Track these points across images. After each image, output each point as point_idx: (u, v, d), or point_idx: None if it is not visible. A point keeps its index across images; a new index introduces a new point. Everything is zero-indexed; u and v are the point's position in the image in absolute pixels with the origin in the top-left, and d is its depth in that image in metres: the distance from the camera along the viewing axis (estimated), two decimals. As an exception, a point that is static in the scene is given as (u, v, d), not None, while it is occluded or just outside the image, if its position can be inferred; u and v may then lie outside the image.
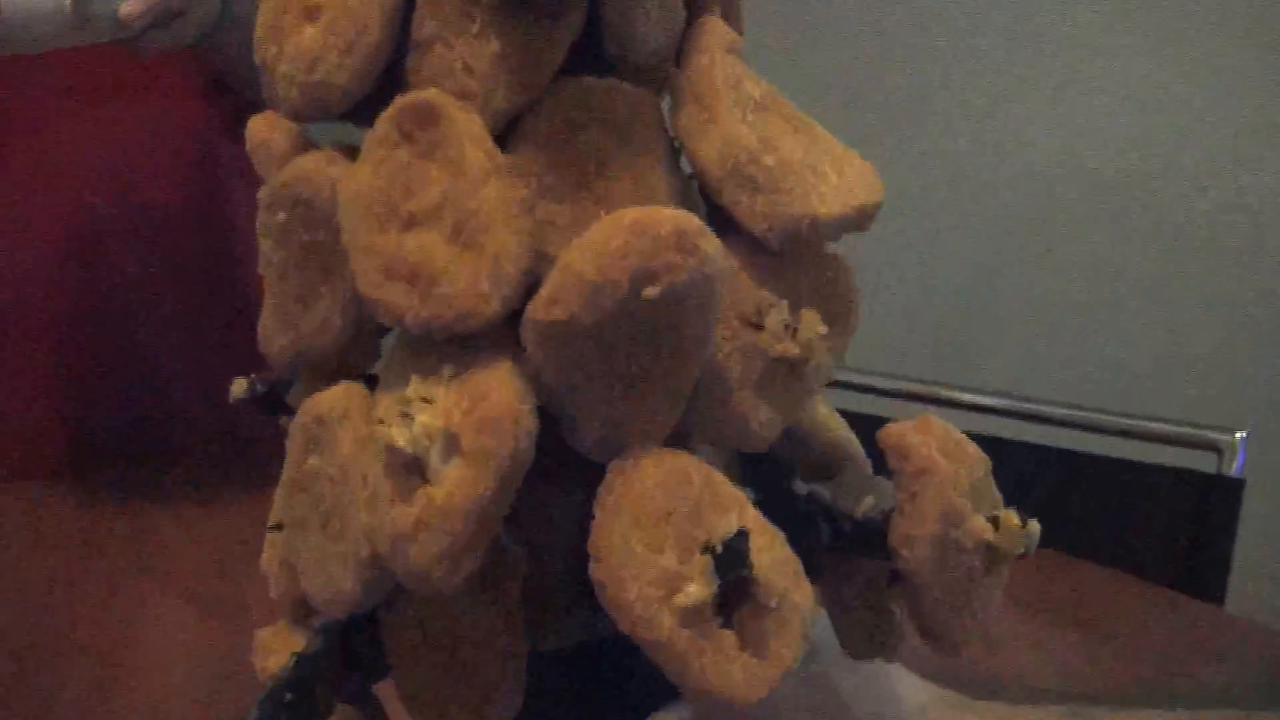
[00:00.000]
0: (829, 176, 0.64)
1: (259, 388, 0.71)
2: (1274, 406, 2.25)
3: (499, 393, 0.59)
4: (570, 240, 0.61)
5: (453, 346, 0.61)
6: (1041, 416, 1.54)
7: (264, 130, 0.68)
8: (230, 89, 1.28)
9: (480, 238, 0.59)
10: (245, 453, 1.24)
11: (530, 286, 0.60)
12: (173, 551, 1.15)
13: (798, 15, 2.60)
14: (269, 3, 0.64)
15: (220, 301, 1.31)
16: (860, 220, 0.65)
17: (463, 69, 0.62)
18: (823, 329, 0.64)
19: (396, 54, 0.63)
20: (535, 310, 0.58)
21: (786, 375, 0.64)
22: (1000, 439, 1.50)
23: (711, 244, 0.59)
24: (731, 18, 0.70)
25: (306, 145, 0.67)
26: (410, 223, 0.60)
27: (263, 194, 0.66)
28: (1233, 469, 1.40)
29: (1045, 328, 2.48)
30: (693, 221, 0.58)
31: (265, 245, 0.66)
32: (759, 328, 0.63)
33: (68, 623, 1.04)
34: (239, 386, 0.71)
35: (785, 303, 0.64)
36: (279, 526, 0.72)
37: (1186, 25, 2.33)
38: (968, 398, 1.54)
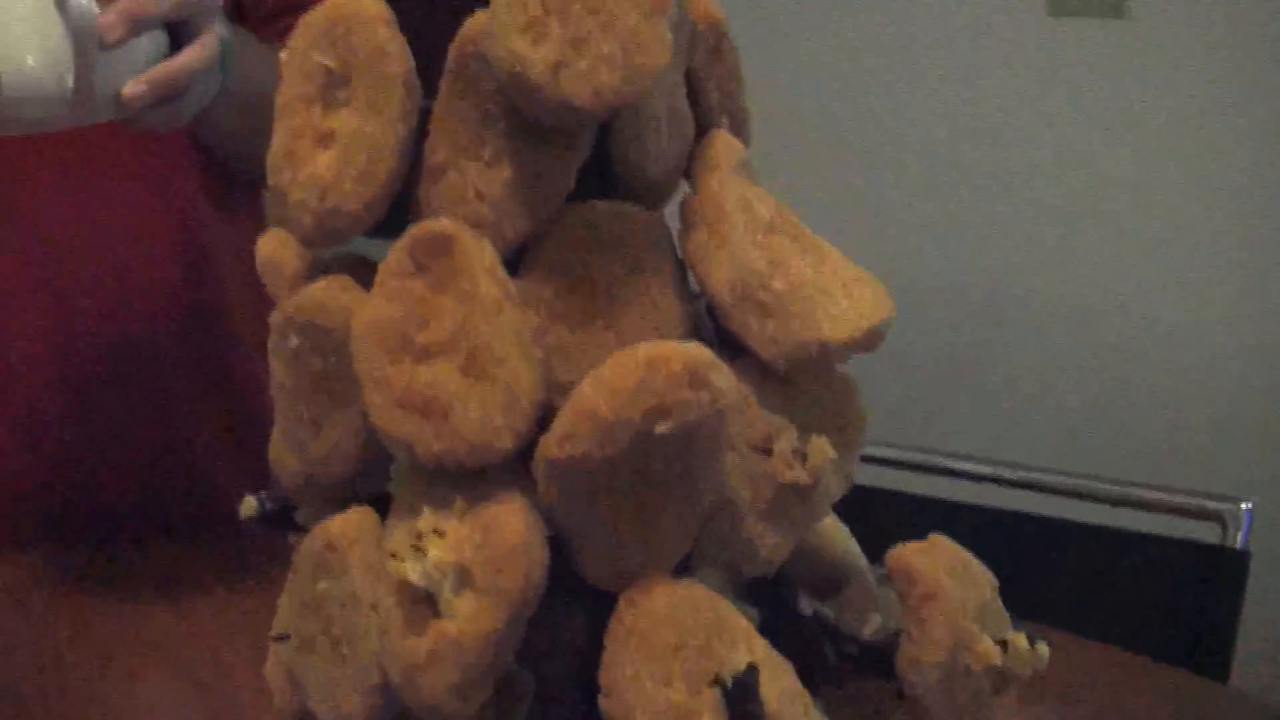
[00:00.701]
0: (838, 298, 0.65)
1: (268, 505, 0.71)
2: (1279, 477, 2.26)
3: (511, 526, 0.60)
4: (582, 367, 0.61)
5: (465, 476, 0.61)
6: (1043, 485, 1.54)
7: (274, 250, 0.68)
8: (221, 163, 1.28)
9: (494, 370, 0.59)
10: (239, 533, 1.24)
11: (542, 414, 0.61)
12: (164, 629, 1.15)
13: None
14: (282, 128, 0.64)
15: (210, 377, 1.30)
16: (869, 341, 0.65)
17: (475, 196, 0.62)
18: (832, 454, 0.64)
19: (409, 180, 0.63)
20: (548, 447, 0.58)
21: (795, 500, 0.64)
22: (1000, 508, 1.50)
23: (723, 378, 0.59)
24: (739, 129, 0.70)
25: (317, 266, 0.67)
26: (424, 354, 0.60)
27: (274, 318, 0.66)
28: (1237, 540, 1.39)
29: (1047, 395, 2.49)
30: (704, 355, 0.58)
31: (276, 368, 0.66)
32: (768, 453, 0.63)
33: (57, 698, 1.04)
34: (248, 506, 0.71)
35: (794, 428, 0.64)
36: (284, 636, 0.71)
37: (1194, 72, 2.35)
38: (967, 466, 1.54)
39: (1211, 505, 1.44)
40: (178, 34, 1.03)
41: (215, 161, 1.27)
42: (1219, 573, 1.40)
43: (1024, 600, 1.48)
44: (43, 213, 1.23)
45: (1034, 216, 2.51)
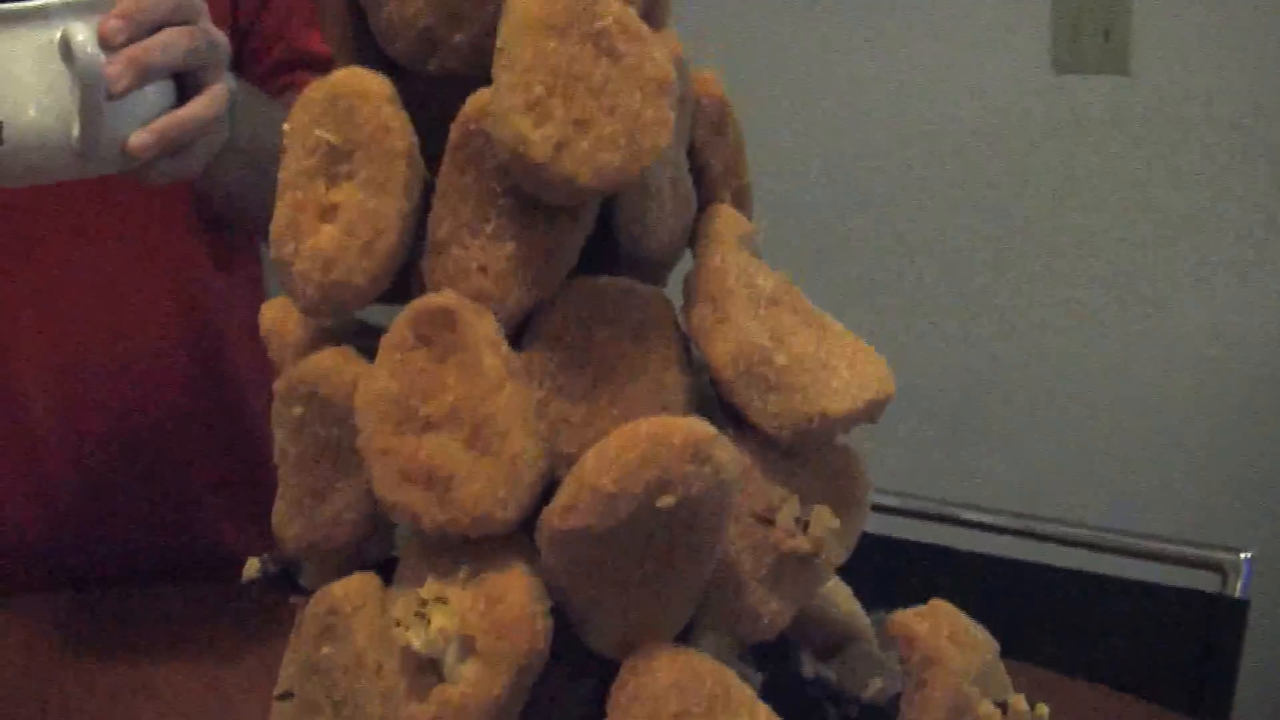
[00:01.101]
0: (840, 371, 0.65)
1: (271, 568, 0.71)
2: (1279, 527, 2.26)
3: (514, 595, 0.60)
4: (585, 439, 0.62)
5: (468, 545, 0.61)
6: (1043, 534, 1.54)
7: (278, 318, 0.69)
8: (221, 220, 1.27)
9: (497, 443, 0.60)
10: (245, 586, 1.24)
11: (546, 485, 0.61)
12: (169, 674, 1.15)
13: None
14: (285, 201, 0.65)
15: (217, 433, 1.30)
16: (870, 414, 0.66)
17: (478, 270, 0.63)
18: (834, 523, 0.64)
19: (413, 251, 0.64)
20: (551, 518, 0.59)
21: (797, 568, 0.65)
22: (1000, 557, 1.50)
23: (725, 452, 0.59)
24: (742, 202, 0.71)
25: (321, 336, 0.67)
26: (427, 426, 0.61)
27: (278, 386, 0.66)
28: (1237, 590, 1.40)
29: (1046, 444, 2.49)
30: (707, 430, 0.59)
31: (280, 436, 0.67)
32: (770, 523, 0.64)
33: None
34: (251, 567, 0.72)
35: (796, 498, 0.65)
36: (287, 695, 0.72)
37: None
38: (967, 515, 1.54)
39: (1211, 555, 1.44)
40: (184, 85, 1.02)
41: (215, 218, 1.27)
42: (1219, 621, 1.40)
43: (1026, 646, 1.48)
44: (49, 272, 1.23)
45: (1038, 271, 2.51)
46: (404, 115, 0.64)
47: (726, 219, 0.68)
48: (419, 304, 0.61)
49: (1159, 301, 2.42)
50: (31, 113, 0.96)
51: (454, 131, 0.63)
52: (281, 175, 0.65)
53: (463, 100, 0.64)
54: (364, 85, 0.64)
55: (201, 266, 1.28)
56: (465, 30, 0.64)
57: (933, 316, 2.59)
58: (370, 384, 0.61)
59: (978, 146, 2.51)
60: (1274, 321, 2.33)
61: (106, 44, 0.95)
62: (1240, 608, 1.40)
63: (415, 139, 0.63)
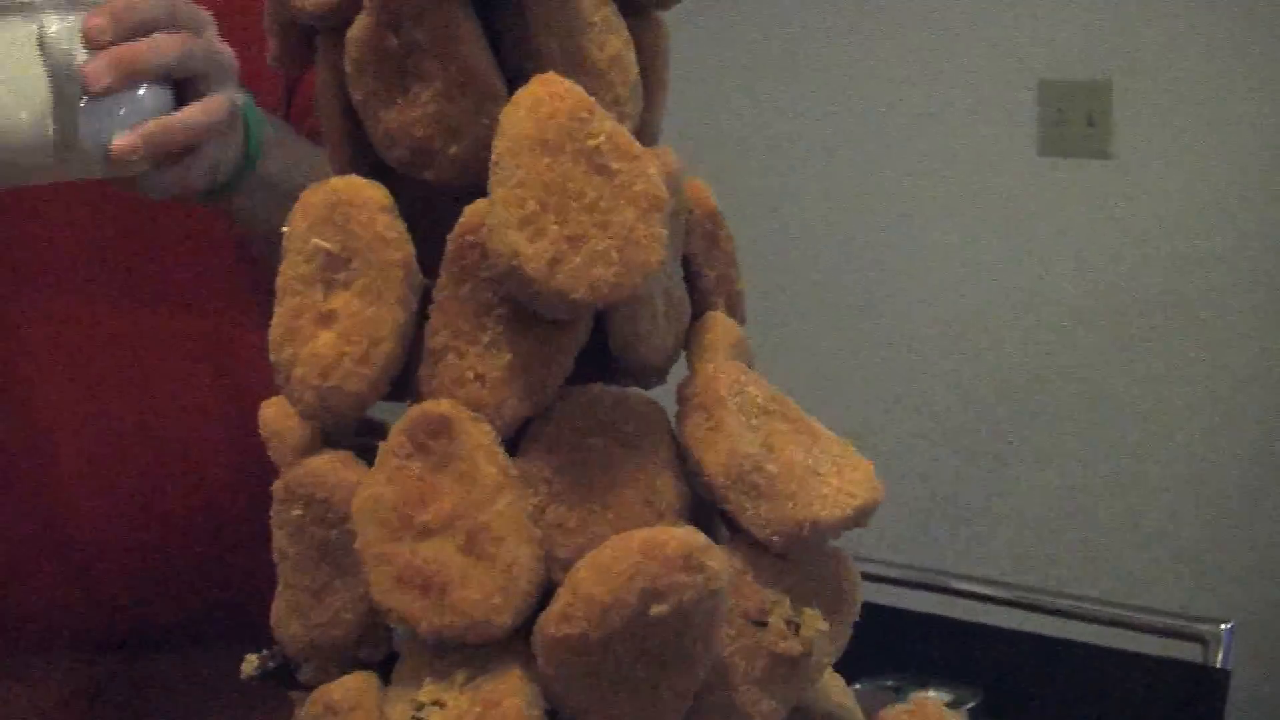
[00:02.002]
0: (829, 479, 0.66)
1: (271, 664, 0.72)
2: (1260, 599, 2.28)
3: (510, 700, 0.61)
4: (581, 545, 0.63)
5: (465, 649, 0.62)
6: (1026, 604, 1.55)
7: (278, 418, 0.70)
8: (250, 264, 1.24)
9: (493, 550, 0.61)
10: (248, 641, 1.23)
11: (541, 591, 0.62)
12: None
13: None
14: (285, 305, 0.66)
15: (243, 495, 1.28)
16: (859, 519, 0.67)
17: (475, 379, 0.64)
18: (824, 626, 0.65)
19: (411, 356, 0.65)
20: (547, 625, 0.60)
21: (789, 669, 0.66)
22: (988, 625, 1.52)
23: (718, 560, 0.61)
24: (735, 309, 0.72)
25: (320, 437, 0.68)
26: (423, 533, 0.62)
27: (278, 487, 0.67)
28: (1218, 660, 1.41)
29: (1033, 516, 2.51)
30: (698, 540, 0.60)
31: (279, 537, 0.68)
32: (762, 625, 0.65)
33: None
34: (250, 663, 0.73)
35: (787, 599, 0.66)
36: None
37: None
38: (955, 584, 1.56)
39: (1194, 626, 1.45)
40: (185, 97, 0.98)
41: (252, 277, 1.24)
42: (1201, 690, 1.42)
43: (1012, 713, 1.48)
44: (81, 329, 1.20)
45: (1020, 351, 2.54)
46: (401, 225, 0.65)
47: (720, 328, 0.69)
48: (417, 412, 0.62)
49: (1145, 379, 2.44)
50: (8, 110, 0.93)
51: (451, 243, 0.64)
52: (280, 280, 0.67)
53: (459, 208, 0.65)
54: (361, 194, 0.65)
55: (238, 325, 1.25)
56: (461, 143, 0.65)
57: (921, 392, 2.61)
58: (368, 490, 0.63)
59: (963, 227, 2.54)
60: (1258, 400, 2.35)
61: (90, 42, 0.93)
62: (1222, 677, 1.42)
63: (412, 248, 0.64)
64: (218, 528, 1.26)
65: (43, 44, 0.93)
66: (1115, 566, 2.45)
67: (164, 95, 0.97)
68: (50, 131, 0.93)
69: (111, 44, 0.93)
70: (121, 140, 0.93)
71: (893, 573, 1.54)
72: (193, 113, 0.97)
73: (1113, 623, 1.52)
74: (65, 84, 0.92)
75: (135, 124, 0.94)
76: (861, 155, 2.63)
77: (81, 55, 0.92)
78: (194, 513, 1.25)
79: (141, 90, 0.95)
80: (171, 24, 0.97)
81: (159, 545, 1.24)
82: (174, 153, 0.97)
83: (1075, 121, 2.46)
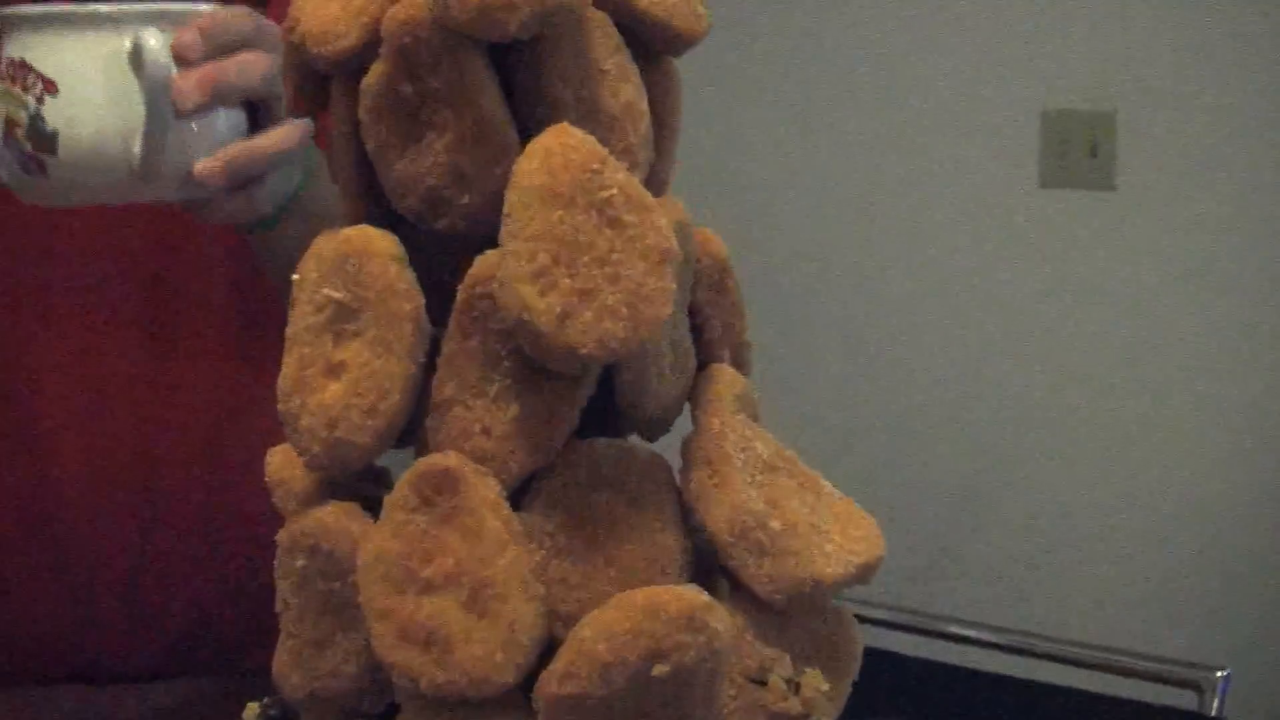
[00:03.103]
0: (832, 535, 0.66)
1: (271, 712, 0.72)
2: (1256, 646, 2.27)
3: (509, 757, 0.61)
4: (584, 600, 0.63)
5: (467, 704, 0.62)
6: (1022, 649, 1.55)
7: (284, 467, 0.70)
8: (262, 300, 1.22)
9: (496, 606, 0.61)
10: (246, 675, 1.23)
11: (543, 646, 0.62)
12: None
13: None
14: (294, 355, 0.66)
15: (236, 536, 1.27)
16: (862, 577, 0.67)
17: (481, 432, 0.64)
18: (824, 685, 0.65)
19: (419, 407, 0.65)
20: (548, 683, 0.60)
21: (788, 728, 0.66)
22: (981, 671, 1.51)
23: (720, 620, 0.60)
24: (741, 361, 0.72)
25: (326, 486, 0.68)
26: (427, 588, 0.61)
27: (282, 537, 0.67)
28: (1214, 708, 1.41)
29: (1026, 559, 2.51)
30: (701, 599, 0.60)
31: (282, 587, 0.67)
32: (763, 684, 0.65)
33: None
34: (250, 712, 0.72)
35: (788, 658, 0.66)
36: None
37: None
38: (947, 628, 1.56)
39: (1189, 673, 1.45)
40: (257, 120, 0.97)
41: (263, 312, 1.22)
42: (1196, 738, 1.41)
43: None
44: (88, 361, 1.18)
45: (1022, 386, 2.54)
46: (411, 275, 0.65)
47: (725, 380, 0.69)
48: (423, 465, 0.62)
49: (1144, 417, 2.44)
50: (92, 125, 0.91)
51: (460, 294, 0.64)
52: (289, 330, 0.66)
53: (469, 258, 0.65)
54: (373, 245, 0.65)
55: (247, 362, 1.23)
56: (473, 192, 0.65)
57: (919, 432, 2.61)
58: (373, 543, 0.62)
59: (963, 260, 2.53)
60: (1257, 437, 2.35)
61: (180, 58, 0.90)
62: (1217, 724, 1.42)
63: (422, 300, 0.64)
64: (217, 562, 1.26)
65: (139, 59, 0.90)
66: (1111, 612, 2.45)
67: (239, 117, 0.96)
68: (137, 149, 0.90)
69: (201, 62, 0.91)
70: (205, 163, 0.92)
71: (885, 616, 1.54)
72: (273, 138, 0.96)
73: (1108, 669, 1.52)
74: (158, 102, 0.89)
75: (215, 146, 0.93)
76: (861, 186, 2.63)
77: (171, 70, 0.90)
78: (192, 547, 1.25)
79: (221, 111, 0.94)
80: (256, 43, 0.95)
81: (156, 577, 1.24)
82: (250, 178, 0.95)
83: (1078, 153, 2.46)
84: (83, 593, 1.22)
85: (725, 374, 0.69)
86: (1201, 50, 2.36)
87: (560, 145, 0.62)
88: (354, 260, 0.65)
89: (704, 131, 2.55)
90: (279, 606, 0.68)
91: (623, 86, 0.68)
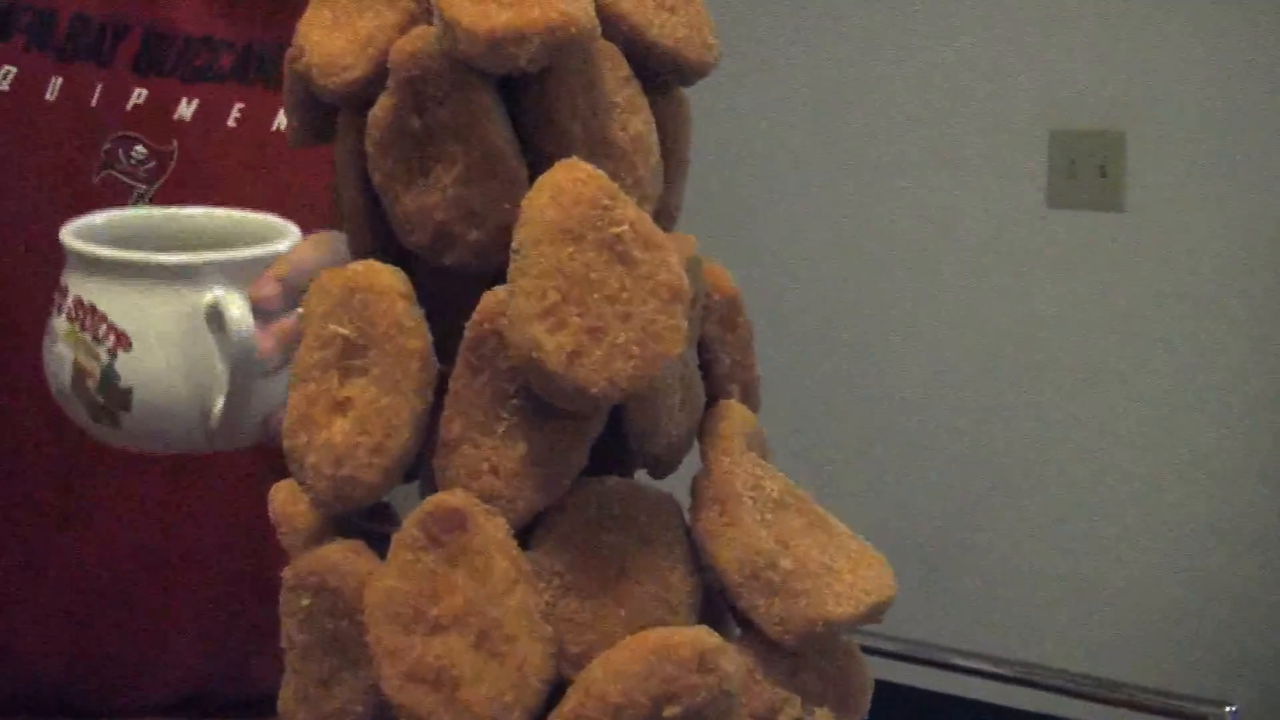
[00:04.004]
0: (843, 575, 0.66)
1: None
2: (1262, 682, 2.26)
3: (517, 800, 0.60)
4: (593, 640, 0.62)
5: (472, 746, 0.61)
6: (1030, 681, 1.54)
7: (288, 503, 0.69)
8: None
9: (504, 647, 0.60)
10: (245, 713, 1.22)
11: (553, 686, 0.62)
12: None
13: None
14: (299, 391, 0.65)
15: (238, 572, 1.26)
16: (872, 616, 0.66)
17: (489, 470, 0.63)
18: (835, 726, 0.65)
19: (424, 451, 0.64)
20: (558, 726, 0.59)
21: (799, 769, 0.65)
22: (982, 702, 1.50)
23: (730, 661, 0.60)
24: (750, 395, 0.72)
25: (332, 524, 0.67)
26: (435, 628, 0.61)
27: (287, 575, 0.66)
28: (1221, 743, 1.40)
29: (1032, 589, 2.50)
30: (712, 641, 0.60)
31: (288, 625, 0.67)
32: (773, 725, 0.64)
33: None
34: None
35: (798, 699, 0.65)
36: None
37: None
38: (952, 660, 1.55)
39: (1197, 708, 1.44)
40: None
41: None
42: (1204, 772, 1.41)
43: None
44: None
45: (1029, 406, 2.53)
46: (419, 312, 0.64)
47: (734, 416, 0.68)
48: (431, 504, 0.62)
49: (1151, 440, 2.43)
50: (168, 384, 0.87)
51: (468, 331, 0.63)
52: (294, 367, 0.66)
53: (477, 293, 0.64)
54: (380, 281, 0.64)
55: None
56: (482, 227, 0.64)
57: (919, 456, 2.60)
58: (380, 582, 0.62)
59: (971, 280, 2.53)
60: (1266, 462, 2.34)
61: (260, 311, 0.87)
62: (1225, 760, 1.41)
63: (429, 337, 0.64)
64: (212, 600, 1.25)
65: (219, 321, 0.86)
66: (1112, 644, 2.43)
67: None
68: (218, 410, 0.88)
69: (281, 311, 0.88)
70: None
71: (887, 646, 1.53)
72: None
73: (1114, 702, 1.51)
74: (240, 365, 0.86)
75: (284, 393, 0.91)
76: (868, 205, 2.63)
77: (253, 333, 0.86)
78: (189, 585, 1.24)
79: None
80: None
81: (149, 616, 1.23)
82: None
83: (1087, 173, 2.45)
84: (87, 631, 1.21)
85: (735, 410, 0.69)
86: (1211, 70, 2.36)
87: (570, 181, 0.62)
88: (361, 296, 0.64)
89: (710, 149, 2.55)
90: (284, 644, 0.67)
91: (632, 119, 0.67)
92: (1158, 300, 2.40)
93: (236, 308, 0.86)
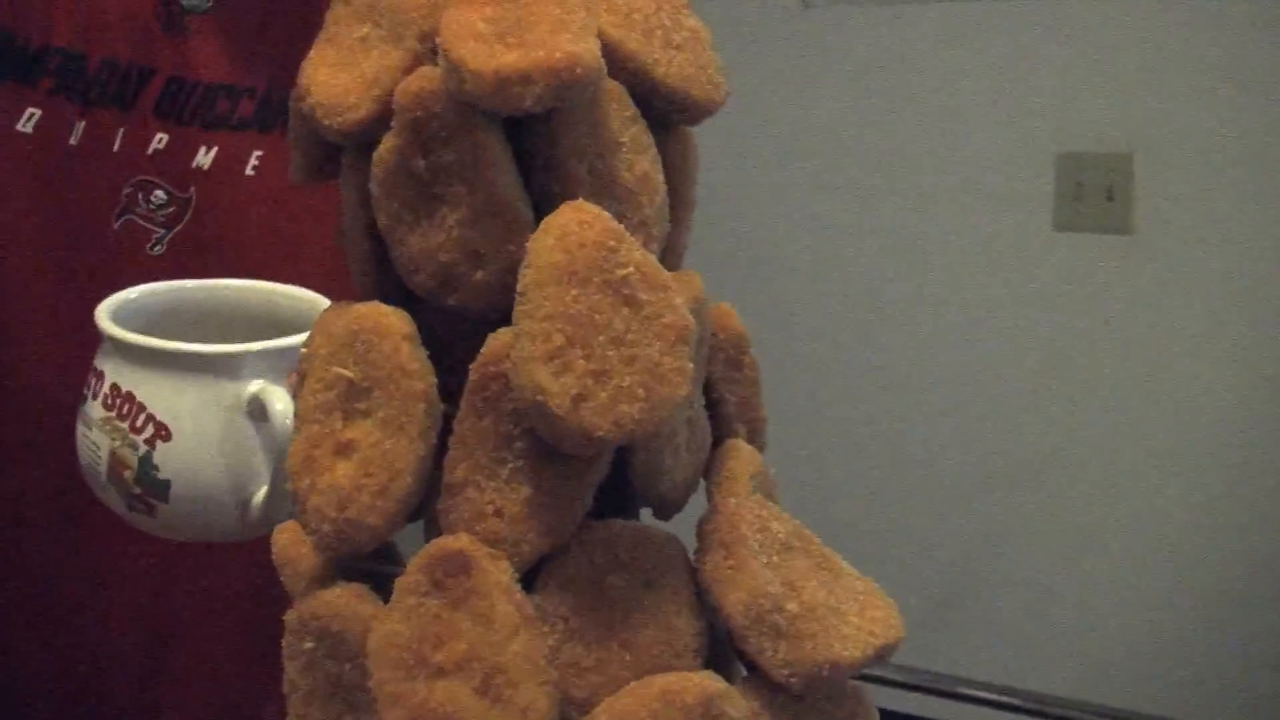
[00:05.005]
0: (850, 616, 0.65)
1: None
2: (1267, 712, 2.25)
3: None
4: (597, 685, 0.62)
5: (475, 791, 0.61)
6: (1041, 712, 1.53)
7: (291, 546, 0.69)
8: None
9: (508, 692, 0.60)
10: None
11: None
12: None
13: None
14: (303, 433, 0.65)
15: (243, 609, 1.26)
16: (880, 658, 0.66)
17: (494, 513, 0.62)
18: (842, 771, 0.64)
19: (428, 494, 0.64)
20: (562, 772, 0.59)
21: (806, 815, 0.65)
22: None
23: (736, 707, 0.60)
24: (756, 435, 0.71)
25: (335, 566, 0.67)
26: (439, 673, 0.60)
27: (290, 618, 0.66)
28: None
29: (1044, 622, 2.49)
30: (718, 686, 0.59)
31: (290, 668, 0.66)
32: (779, 770, 0.64)
33: None
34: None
35: (805, 742, 0.65)
36: None
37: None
38: (960, 689, 1.53)
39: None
40: None
41: None
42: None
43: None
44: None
45: (1038, 430, 2.52)
46: (423, 354, 0.64)
47: (740, 457, 0.68)
48: (434, 548, 0.61)
49: (1160, 465, 2.42)
50: (208, 475, 0.86)
51: (473, 374, 0.63)
52: (299, 407, 0.65)
53: (481, 334, 0.64)
54: (385, 323, 0.64)
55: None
56: (487, 269, 0.64)
57: (927, 482, 2.59)
58: (384, 627, 0.61)
59: (976, 304, 2.52)
60: (1270, 495, 2.33)
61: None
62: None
63: (434, 379, 0.63)
64: (216, 636, 1.25)
65: (261, 413, 0.86)
66: (1130, 675, 2.42)
67: None
68: (259, 501, 0.87)
69: None
70: None
71: (895, 676, 1.52)
72: None
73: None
74: (284, 453, 0.80)
75: None
76: (875, 229, 2.62)
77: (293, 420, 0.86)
78: (196, 629, 1.24)
79: None
80: None
81: (157, 662, 1.23)
82: None
83: (1094, 196, 2.44)
84: (91, 675, 1.21)
85: (741, 451, 0.68)
86: (1218, 93, 2.35)
87: (576, 223, 0.61)
88: (365, 338, 0.64)
89: (716, 183, 2.54)
90: (286, 688, 0.67)
91: (638, 159, 0.67)
92: (1165, 323, 2.39)
93: (280, 401, 0.85)
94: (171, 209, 1.14)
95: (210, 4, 1.14)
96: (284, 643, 0.66)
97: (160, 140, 1.13)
